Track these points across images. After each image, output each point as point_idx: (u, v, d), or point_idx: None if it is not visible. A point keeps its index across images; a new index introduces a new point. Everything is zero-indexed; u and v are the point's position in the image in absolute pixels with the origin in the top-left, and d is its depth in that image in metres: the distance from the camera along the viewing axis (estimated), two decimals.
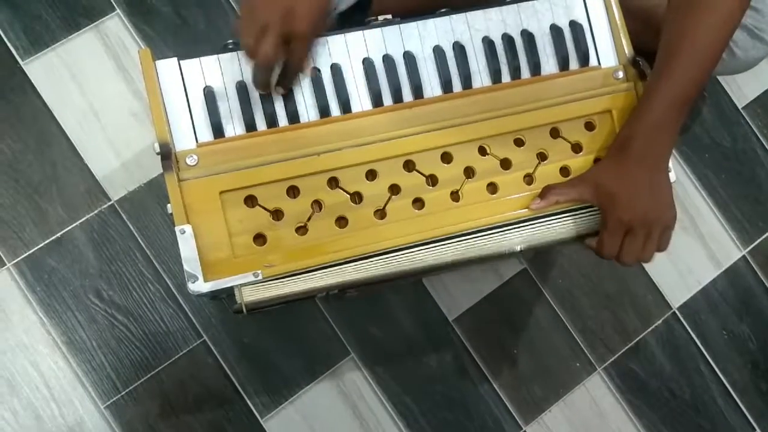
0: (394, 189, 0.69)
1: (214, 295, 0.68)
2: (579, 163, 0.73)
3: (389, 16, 0.73)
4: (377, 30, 0.71)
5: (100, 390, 0.97)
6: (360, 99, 0.70)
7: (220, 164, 0.66)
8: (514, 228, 0.71)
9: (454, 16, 0.73)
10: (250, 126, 0.68)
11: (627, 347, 1.11)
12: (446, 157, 0.71)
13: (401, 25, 0.72)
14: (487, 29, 0.74)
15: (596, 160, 0.74)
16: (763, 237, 1.18)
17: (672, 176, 0.72)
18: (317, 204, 0.68)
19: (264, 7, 0.63)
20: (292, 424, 1.01)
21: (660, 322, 1.13)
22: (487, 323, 1.07)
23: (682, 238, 1.15)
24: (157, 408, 0.98)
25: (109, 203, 1.00)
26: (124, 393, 0.98)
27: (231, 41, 0.69)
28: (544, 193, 0.71)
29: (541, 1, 0.75)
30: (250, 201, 0.67)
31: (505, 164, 0.72)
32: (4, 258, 0.98)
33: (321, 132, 0.68)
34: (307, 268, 0.67)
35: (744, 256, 1.17)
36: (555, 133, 0.74)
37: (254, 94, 0.68)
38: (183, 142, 0.67)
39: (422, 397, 1.05)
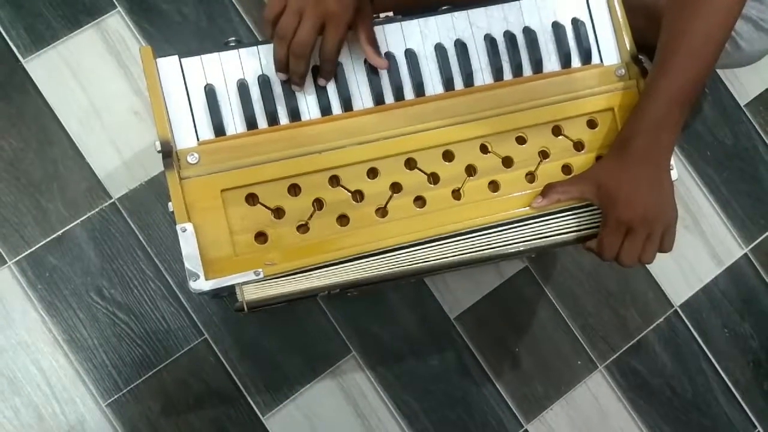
0: (396, 187, 0.69)
1: (216, 294, 0.68)
2: (581, 161, 0.73)
3: (391, 14, 0.73)
4: (379, 27, 0.71)
5: (101, 388, 0.98)
6: (361, 97, 0.70)
7: (221, 162, 0.66)
8: (516, 227, 0.70)
9: (455, 13, 0.73)
10: (251, 124, 0.68)
11: (628, 345, 1.11)
12: (448, 155, 0.71)
13: (403, 23, 0.72)
14: (489, 27, 0.74)
15: (598, 158, 0.73)
16: (765, 235, 1.18)
17: (674, 174, 0.72)
18: (318, 202, 0.68)
19: None
20: (293, 423, 1.01)
21: (662, 320, 1.13)
22: (488, 321, 1.07)
23: (684, 236, 1.15)
24: (159, 406, 0.98)
25: (110, 201, 1.00)
26: (125, 391, 0.98)
27: (232, 39, 0.69)
28: (545, 192, 0.71)
29: None
30: (252, 199, 0.67)
31: (507, 162, 0.72)
32: (5, 256, 0.98)
33: (322, 130, 0.68)
34: (309, 266, 0.66)
35: (746, 254, 1.16)
36: (557, 131, 0.73)
37: (255, 92, 0.68)
38: (184, 140, 0.66)
39: (423, 395, 1.04)
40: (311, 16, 0.64)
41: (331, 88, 0.70)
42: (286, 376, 1.02)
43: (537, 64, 0.74)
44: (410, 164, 0.70)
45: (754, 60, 0.93)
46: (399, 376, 1.04)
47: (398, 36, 0.71)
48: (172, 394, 0.99)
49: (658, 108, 0.68)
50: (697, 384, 1.13)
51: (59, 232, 0.99)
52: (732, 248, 1.16)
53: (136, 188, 1.01)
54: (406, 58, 0.71)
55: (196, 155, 0.66)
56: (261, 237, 0.67)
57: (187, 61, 0.67)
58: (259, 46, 0.69)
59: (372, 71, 0.70)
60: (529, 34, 0.74)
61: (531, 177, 0.72)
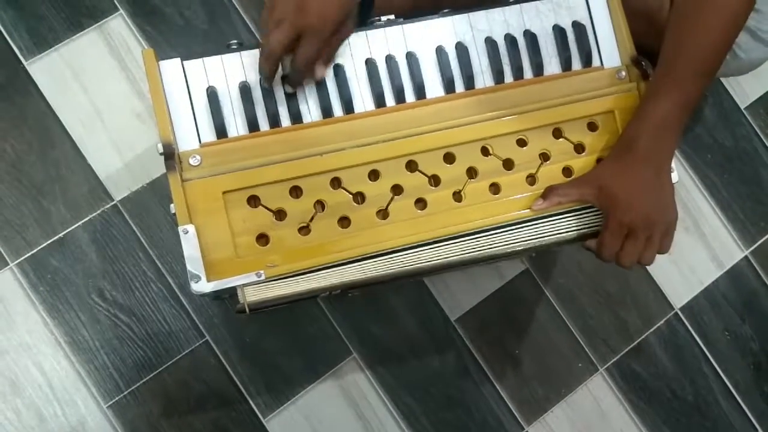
0: (397, 189, 0.69)
1: (217, 295, 0.68)
2: (582, 163, 0.73)
3: (392, 17, 0.73)
4: (380, 30, 0.71)
5: (102, 390, 0.98)
6: (363, 99, 0.70)
7: (223, 164, 0.66)
8: (517, 229, 0.71)
9: (456, 16, 0.73)
10: (253, 126, 0.68)
11: (629, 347, 1.11)
12: (449, 158, 0.71)
13: (404, 26, 0.72)
14: (490, 30, 0.74)
15: (599, 161, 0.74)
16: (765, 237, 1.18)
17: (675, 177, 0.72)
18: (320, 204, 0.68)
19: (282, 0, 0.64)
20: (294, 424, 1.01)
21: (662, 322, 1.13)
22: (488, 323, 1.07)
23: (685, 239, 1.15)
24: (160, 408, 0.99)
25: (112, 203, 1.00)
26: (126, 393, 0.98)
27: (234, 41, 0.69)
28: (546, 194, 0.71)
29: (543, 2, 0.75)
30: (253, 201, 0.67)
31: (508, 165, 0.72)
32: (7, 258, 0.98)
33: (324, 132, 0.69)
34: (310, 268, 0.67)
35: (746, 257, 1.17)
36: (558, 134, 0.74)
37: (257, 95, 0.68)
38: (186, 142, 0.67)
39: (424, 397, 1.05)
40: (288, 27, 0.64)
41: (332, 90, 0.70)
42: (286, 377, 1.02)
43: (538, 67, 0.74)
44: (411, 166, 0.70)
45: (752, 68, 0.94)
46: (399, 378, 1.04)
47: (400, 38, 0.72)
48: (173, 396, 0.99)
49: (660, 111, 0.68)
50: (697, 386, 1.13)
51: (61, 234, 0.99)
52: (732, 251, 1.16)
53: (138, 190, 1.01)
54: (407, 60, 0.71)
55: (198, 157, 0.66)
56: (262, 239, 0.67)
57: (190, 64, 0.68)
58: (261, 49, 0.69)
59: (374, 72, 0.70)
60: (530, 36, 0.74)
61: (532, 179, 0.72)
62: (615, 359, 1.11)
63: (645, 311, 1.13)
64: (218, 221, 0.65)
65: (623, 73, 0.75)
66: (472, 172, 0.71)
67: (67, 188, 1.00)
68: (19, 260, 0.98)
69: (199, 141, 0.67)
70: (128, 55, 1.03)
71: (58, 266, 0.98)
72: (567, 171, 0.73)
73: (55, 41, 1.02)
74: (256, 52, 0.69)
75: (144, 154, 1.01)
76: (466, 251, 0.69)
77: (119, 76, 1.03)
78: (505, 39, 0.74)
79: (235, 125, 0.68)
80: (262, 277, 0.65)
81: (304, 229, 0.68)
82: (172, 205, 0.65)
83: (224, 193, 0.66)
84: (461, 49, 0.72)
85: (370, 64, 0.71)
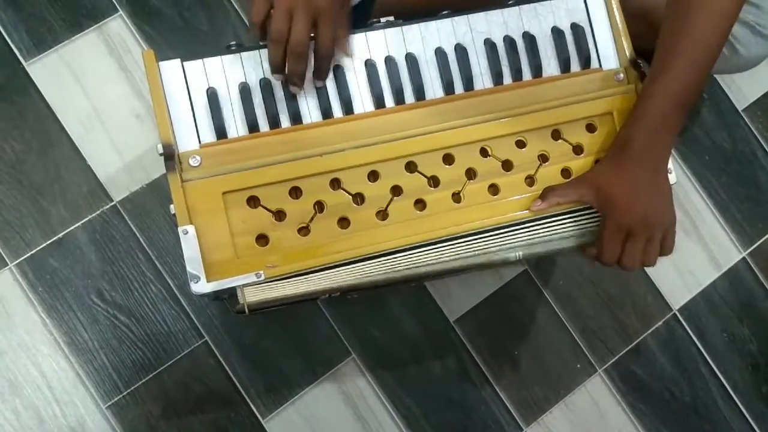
0: (396, 190, 0.70)
1: (216, 296, 0.68)
2: (580, 164, 0.74)
3: (391, 18, 0.73)
4: (379, 32, 0.72)
5: (101, 390, 0.98)
6: (362, 100, 0.71)
7: (222, 165, 0.66)
8: (515, 230, 0.71)
9: (455, 18, 0.73)
10: (253, 127, 0.68)
11: (627, 348, 1.12)
12: (448, 159, 0.71)
13: (403, 27, 0.72)
14: (489, 31, 0.74)
15: (597, 162, 0.74)
16: (763, 239, 1.18)
17: (672, 178, 0.72)
18: (319, 205, 0.68)
19: None
20: (293, 425, 1.01)
21: (660, 323, 1.13)
22: (488, 324, 1.08)
23: (683, 240, 1.15)
24: (159, 408, 0.99)
25: (112, 204, 1.01)
26: (125, 393, 0.98)
27: (234, 42, 0.70)
28: (544, 195, 0.71)
29: (542, 4, 0.75)
30: (253, 202, 0.67)
31: (507, 166, 0.72)
32: (6, 258, 0.98)
33: (323, 133, 0.69)
34: (309, 268, 0.67)
35: (744, 258, 1.17)
36: (556, 135, 0.74)
37: (257, 96, 0.69)
38: (186, 143, 0.67)
39: (423, 398, 1.05)
40: (303, 14, 0.64)
41: (332, 91, 0.70)
42: (286, 378, 1.02)
43: (537, 69, 0.74)
44: (411, 167, 0.70)
45: (752, 65, 0.94)
46: (399, 379, 1.04)
47: (399, 40, 0.72)
48: (173, 397, 0.99)
49: (656, 111, 0.68)
50: (695, 387, 1.13)
51: (60, 235, 0.99)
52: (730, 252, 1.17)
53: (137, 191, 1.01)
54: (407, 62, 0.72)
55: (197, 158, 0.66)
56: (262, 239, 0.67)
57: (190, 65, 0.68)
58: (260, 50, 0.69)
59: (373, 73, 0.71)
60: (529, 38, 0.74)
61: (530, 180, 0.73)
62: (613, 360, 1.11)
63: (643, 312, 1.13)
64: (218, 222, 0.65)
65: (621, 75, 0.75)
66: (471, 173, 0.71)
67: (66, 189, 1.00)
68: (18, 261, 0.98)
69: (199, 142, 0.67)
70: (128, 56, 1.03)
71: (58, 267, 0.99)
72: (566, 172, 0.74)
73: (54, 42, 1.02)
74: (256, 54, 0.69)
75: (144, 155, 1.01)
76: (466, 255, 0.69)
77: (119, 76, 1.03)
78: (504, 41, 0.74)
79: (235, 126, 0.68)
80: (262, 278, 0.65)
81: (304, 230, 0.68)
82: (171, 206, 0.65)
83: (224, 193, 0.66)
84: (460, 51, 0.73)
85: (369, 65, 0.71)
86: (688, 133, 1.17)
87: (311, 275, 0.67)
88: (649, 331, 1.13)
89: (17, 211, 0.99)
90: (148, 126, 1.02)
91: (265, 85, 0.69)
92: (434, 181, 0.70)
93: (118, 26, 1.04)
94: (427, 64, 0.72)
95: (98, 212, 1.00)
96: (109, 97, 1.02)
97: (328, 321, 1.03)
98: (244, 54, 0.69)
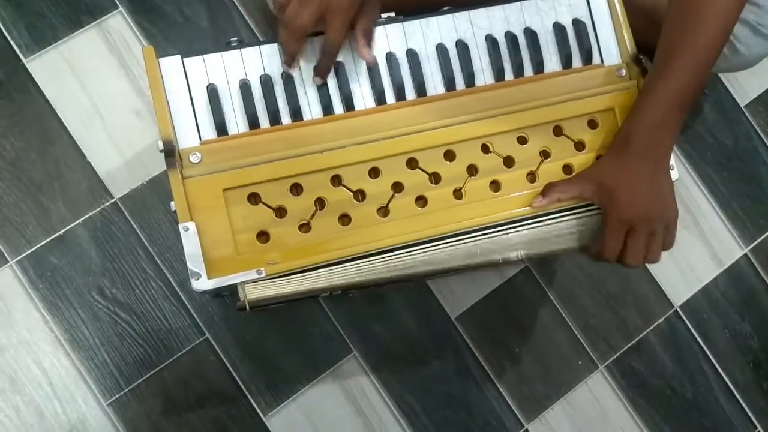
0: (397, 187, 0.70)
1: (217, 293, 0.68)
2: (582, 160, 0.74)
3: (392, 14, 0.73)
4: (380, 28, 0.71)
5: (102, 387, 0.98)
6: (363, 97, 0.71)
7: (223, 162, 0.66)
8: (517, 227, 0.71)
9: (457, 14, 0.73)
10: (254, 124, 0.68)
11: (629, 345, 1.12)
12: (449, 155, 0.71)
13: (404, 23, 0.72)
14: (490, 27, 0.74)
15: (599, 158, 0.74)
16: (765, 235, 1.18)
17: (674, 174, 0.72)
18: (320, 202, 0.68)
19: None
20: (294, 422, 1.01)
21: (662, 320, 1.13)
22: (489, 321, 1.07)
23: (684, 237, 1.15)
24: (160, 405, 0.99)
25: (112, 201, 1.00)
26: (126, 390, 0.98)
27: (234, 39, 0.70)
28: (545, 191, 0.71)
29: None
30: (254, 198, 0.67)
31: (508, 162, 0.72)
32: (6, 255, 0.98)
33: (324, 130, 0.69)
34: (311, 265, 0.67)
35: (745, 255, 1.17)
36: (558, 131, 0.74)
37: (257, 92, 0.68)
38: (186, 139, 0.67)
39: (424, 395, 1.05)
40: (314, 6, 0.64)
41: (333, 88, 0.70)
42: (287, 375, 1.02)
43: (538, 65, 0.74)
44: (412, 164, 0.70)
45: (752, 64, 0.94)
46: (400, 376, 1.04)
47: (400, 36, 0.72)
48: (174, 394, 0.99)
49: (657, 107, 0.68)
50: (697, 384, 1.13)
51: (61, 232, 0.99)
52: (732, 249, 1.17)
53: (138, 188, 1.01)
54: (408, 58, 0.71)
55: (198, 155, 0.66)
56: (263, 236, 0.67)
57: (190, 61, 0.68)
58: (261, 46, 0.69)
59: (374, 70, 0.70)
60: (531, 34, 0.74)
61: (532, 177, 0.72)
62: (615, 357, 1.11)
63: (645, 309, 1.13)
64: (219, 219, 0.65)
65: (623, 71, 0.75)
66: (472, 170, 0.71)
67: (66, 186, 1.00)
68: (18, 258, 0.98)
69: (200, 138, 0.67)
70: (128, 53, 1.03)
71: (58, 264, 0.98)
72: (567, 168, 0.73)
73: (54, 39, 1.02)
74: (256, 49, 0.69)
75: (144, 152, 1.01)
76: (467, 254, 0.69)
77: (119, 73, 1.02)
78: (505, 36, 0.74)
79: (236, 122, 0.68)
80: (263, 275, 0.65)
81: (305, 227, 0.68)
82: (172, 203, 0.65)
83: (225, 190, 0.66)
84: (462, 47, 0.72)
85: None
86: (690, 130, 1.17)
87: (312, 272, 0.67)
88: (651, 328, 1.13)
89: (17, 209, 0.98)
90: (148, 122, 1.02)
91: (266, 82, 0.68)
92: (435, 178, 0.70)
93: (118, 22, 1.03)
94: (428, 60, 0.72)
95: (98, 209, 1.00)
96: (109, 94, 1.02)
97: (329, 318, 1.03)
98: (245, 50, 0.69)
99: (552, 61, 0.75)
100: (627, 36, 0.76)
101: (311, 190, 0.68)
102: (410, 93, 0.71)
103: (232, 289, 0.67)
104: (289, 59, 0.68)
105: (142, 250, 1.00)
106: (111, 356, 0.98)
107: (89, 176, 1.00)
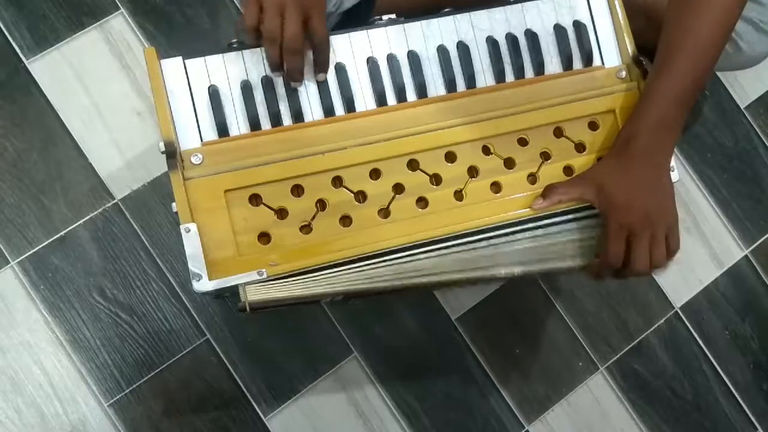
0: (398, 188, 0.70)
1: (218, 294, 0.68)
2: (582, 162, 0.73)
3: (393, 16, 0.73)
4: (381, 30, 0.71)
5: (103, 388, 0.98)
6: (364, 98, 0.71)
7: (224, 163, 0.66)
8: (517, 230, 0.71)
9: (458, 15, 0.73)
10: (255, 125, 0.68)
11: (629, 346, 1.12)
12: (450, 157, 0.71)
13: (405, 25, 0.72)
14: (491, 29, 0.74)
15: (599, 160, 0.74)
16: (765, 237, 1.18)
17: (675, 176, 0.72)
18: (321, 203, 0.68)
19: None
20: (295, 423, 1.01)
21: (662, 321, 1.13)
22: (490, 322, 1.07)
23: (684, 238, 1.13)
24: (161, 406, 0.99)
25: (113, 202, 1.01)
26: (127, 391, 0.98)
27: (235, 40, 0.70)
28: (546, 193, 0.71)
29: (544, 1, 0.75)
30: (255, 200, 0.67)
31: (509, 164, 0.72)
32: (8, 256, 0.98)
33: (325, 131, 0.69)
34: (312, 266, 0.67)
35: (746, 256, 1.17)
36: (558, 133, 0.74)
37: (258, 93, 0.68)
38: (188, 141, 0.67)
39: (425, 396, 1.05)
40: (294, 11, 0.64)
41: (334, 89, 0.70)
42: (287, 376, 1.02)
43: (539, 66, 0.74)
44: (413, 165, 0.70)
45: (755, 62, 0.94)
46: (400, 377, 1.04)
47: (401, 38, 0.72)
48: (174, 395, 0.99)
49: (658, 109, 0.68)
50: (697, 385, 1.13)
51: (62, 233, 0.99)
52: (732, 250, 1.17)
53: (139, 189, 1.01)
54: (409, 59, 0.71)
55: (199, 156, 0.66)
56: (264, 237, 0.67)
57: (191, 63, 0.68)
58: (262, 48, 0.69)
59: (375, 71, 0.70)
60: (531, 36, 0.74)
61: (533, 178, 0.72)
62: (615, 358, 1.11)
63: (645, 310, 1.13)
64: (220, 220, 0.65)
65: (624, 73, 0.75)
66: (473, 171, 0.71)
67: (68, 187, 1.00)
68: (20, 259, 0.98)
69: (201, 139, 0.67)
70: (129, 54, 1.03)
71: (59, 265, 0.99)
72: (568, 170, 0.73)
73: (56, 40, 1.02)
74: (257, 51, 0.69)
75: (145, 153, 1.01)
76: (466, 268, 0.69)
77: (120, 74, 1.03)
78: (506, 38, 0.74)
79: (237, 124, 0.68)
80: (264, 276, 0.65)
81: (306, 228, 0.68)
82: (173, 204, 0.65)
83: (226, 191, 0.66)
84: (462, 49, 0.72)
85: (371, 63, 0.71)
86: (690, 131, 1.17)
87: (313, 274, 0.67)
88: (651, 329, 1.13)
89: (19, 209, 0.99)
90: (149, 124, 1.02)
91: (267, 83, 0.69)
92: (436, 179, 0.70)
93: (120, 24, 1.04)
94: (429, 61, 0.72)
95: (100, 210, 1.00)
96: (110, 95, 1.02)
97: (330, 319, 1.03)
98: (246, 52, 0.69)
99: (553, 63, 0.75)
100: (627, 38, 0.76)
101: (312, 192, 0.68)
102: (411, 94, 0.71)
103: (233, 291, 0.67)
104: (299, 75, 0.68)
105: (143, 251, 1.00)
106: (112, 357, 0.98)
107: (90, 177, 1.00)
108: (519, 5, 0.75)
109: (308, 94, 0.70)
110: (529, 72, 0.74)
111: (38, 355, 0.97)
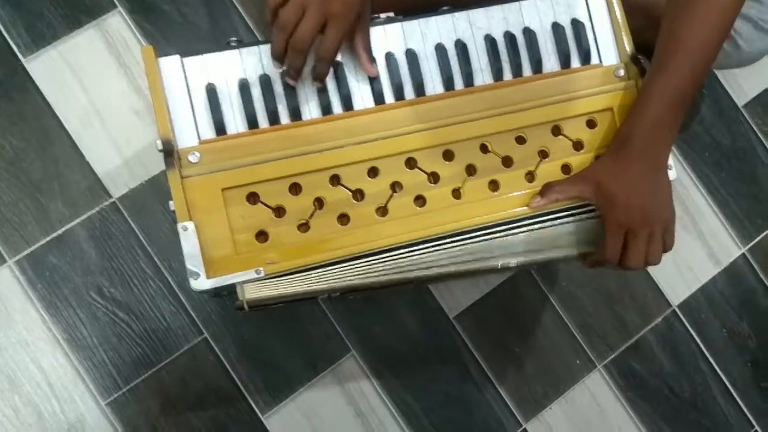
0: (396, 186, 0.70)
1: (216, 292, 0.68)
2: (580, 160, 0.74)
3: (391, 14, 0.73)
4: (379, 28, 0.71)
5: (101, 387, 0.98)
6: (362, 96, 0.71)
7: (222, 161, 0.66)
8: (515, 227, 0.71)
9: (456, 14, 0.73)
10: (252, 123, 0.68)
11: (627, 345, 1.12)
12: (448, 155, 0.71)
13: (403, 23, 0.72)
14: (489, 27, 0.74)
15: (597, 158, 0.74)
16: (763, 235, 1.18)
17: (672, 174, 0.72)
18: (319, 201, 0.68)
19: None
20: (293, 422, 1.01)
21: (660, 319, 1.13)
22: (487, 321, 1.08)
23: (682, 236, 1.15)
24: (158, 405, 0.99)
25: (111, 200, 1.00)
26: (125, 390, 0.98)
27: (233, 39, 0.69)
28: (543, 191, 0.71)
29: (543, 0, 0.75)
30: (252, 198, 0.67)
31: (507, 162, 0.72)
32: (5, 255, 0.98)
33: (323, 129, 0.69)
34: (310, 265, 0.67)
35: (744, 254, 1.17)
36: (556, 131, 0.74)
37: (256, 92, 0.68)
38: (185, 139, 0.67)
39: (423, 394, 1.05)
40: (314, 13, 0.64)
41: (332, 88, 0.70)
42: (286, 375, 1.02)
43: (537, 65, 0.74)
44: (410, 163, 0.70)
45: (754, 60, 0.94)
46: (398, 376, 1.04)
47: (399, 36, 0.72)
48: (172, 393, 0.99)
49: (656, 107, 0.68)
50: (695, 383, 1.13)
51: (59, 231, 0.99)
52: (730, 248, 1.17)
53: (137, 187, 1.01)
54: (407, 57, 0.71)
55: (197, 154, 0.66)
56: (262, 236, 0.67)
57: (189, 61, 0.68)
58: (260, 46, 0.69)
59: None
60: (529, 34, 0.74)
61: (530, 176, 0.73)
62: (613, 356, 1.11)
63: (643, 309, 1.13)
64: (217, 218, 0.65)
65: (622, 71, 0.75)
66: (471, 170, 0.71)
67: (65, 185, 1.00)
68: (17, 257, 0.98)
69: (199, 138, 0.67)
70: (126, 52, 1.03)
71: (57, 263, 0.98)
72: (566, 168, 0.74)
73: (53, 38, 1.02)
74: (255, 49, 0.69)
75: (143, 151, 1.01)
76: (464, 260, 0.69)
77: (117, 73, 1.02)
78: (504, 36, 0.74)
79: (235, 122, 0.68)
80: (262, 274, 0.65)
81: (304, 226, 0.68)
82: (171, 202, 0.65)
83: (223, 190, 0.66)
84: (460, 47, 0.72)
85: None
86: (688, 130, 1.17)
87: (311, 272, 0.67)
88: (649, 327, 1.13)
89: (16, 208, 0.98)
90: (147, 122, 1.02)
91: (265, 82, 0.68)
92: (434, 178, 0.70)
93: (117, 22, 1.03)
94: (427, 60, 0.72)
95: (97, 209, 1.00)
96: (107, 94, 1.02)
97: (327, 317, 1.03)
98: (244, 50, 0.69)
99: (550, 61, 0.75)
100: (626, 36, 0.76)
101: (310, 190, 0.68)
102: (409, 93, 0.71)
103: (231, 289, 0.67)
104: (295, 74, 0.67)
105: (140, 249, 1.00)
106: (109, 356, 0.98)
107: (88, 176, 1.00)
108: (517, 3, 0.75)
109: (306, 92, 0.70)
110: (527, 70, 0.74)
111: (35, 353, 0.97)
